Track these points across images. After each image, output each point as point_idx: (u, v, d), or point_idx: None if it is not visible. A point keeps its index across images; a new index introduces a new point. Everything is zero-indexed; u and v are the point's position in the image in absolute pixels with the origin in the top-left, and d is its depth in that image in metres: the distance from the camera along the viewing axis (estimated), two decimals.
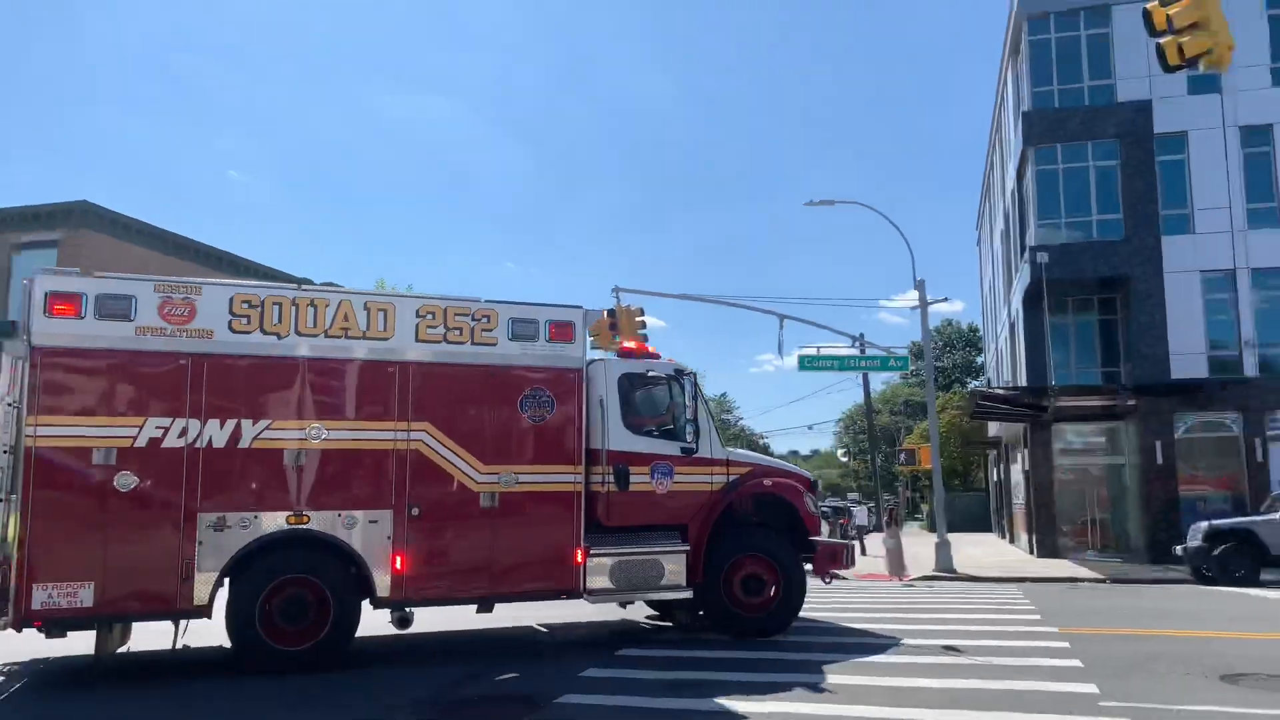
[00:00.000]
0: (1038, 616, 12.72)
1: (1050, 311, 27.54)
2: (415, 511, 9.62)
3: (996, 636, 10.85)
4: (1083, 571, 21.53)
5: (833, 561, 12.09)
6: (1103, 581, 19.83)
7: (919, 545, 28.88)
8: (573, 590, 10.30)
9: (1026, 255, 27.45)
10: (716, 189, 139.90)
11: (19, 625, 8.31)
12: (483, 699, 8.10)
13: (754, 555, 11.25)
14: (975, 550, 29.83)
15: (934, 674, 8.55)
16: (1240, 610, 13.85)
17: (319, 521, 9.29)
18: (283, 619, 9.02)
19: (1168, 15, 10.58)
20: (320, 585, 9.19)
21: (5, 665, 9.60)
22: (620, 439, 10.76)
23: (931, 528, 36.72)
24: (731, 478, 11.36)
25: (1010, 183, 32.23)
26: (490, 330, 10.21)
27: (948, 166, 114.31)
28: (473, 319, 10.17)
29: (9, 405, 8.87)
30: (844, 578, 11.47)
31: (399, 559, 9.50)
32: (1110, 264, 26.55)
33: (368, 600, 9.52)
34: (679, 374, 11.34)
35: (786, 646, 10.35)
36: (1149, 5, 10.80)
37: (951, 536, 23.84)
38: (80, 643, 9.35)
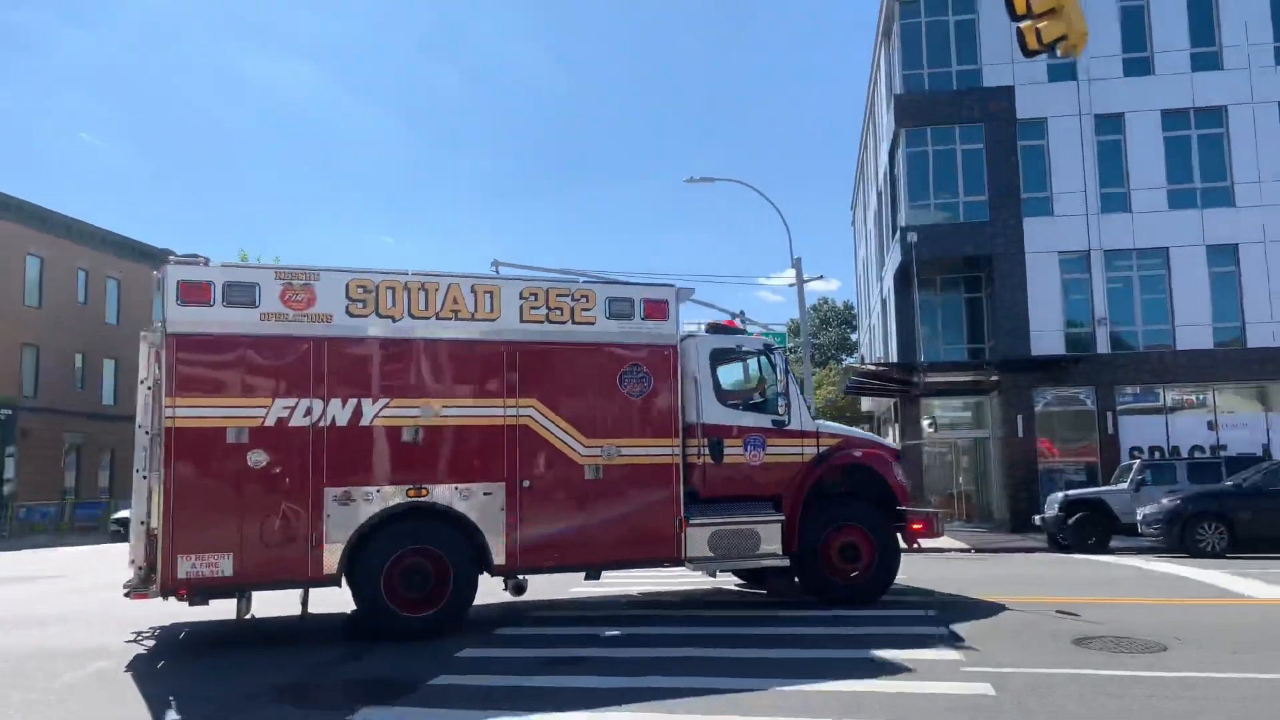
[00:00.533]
0: (904, 584, 13.07)
1: (920, 289, 28.45)
2: (526, 484, 10.04)
3: (865, 606, 11.06)
4: (949, 542, 22.36)
5: (923, 532, 12.07)
6: (968, 551, 20.61)
7: None
8: (674, 558, 10.66)
9: (898, 235, 28.24)
10: (594, 162, 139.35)
11: (165, 593, 8.92)
12: (351, 683, 7.73)
13: (850, 525, 11.43)
14: None
15: (788, 645, 8.61)
16: (1091, 576, 14.57)
17: (437, 494, 9.74)
18: (405, 587, 9.46)
19: (1027, 1, 10.85)
20: (440, 554, 9.64)
21: (151, 629, 10.30)
22: (714, 413, 11.03)
23: None
24: (822, 449, 11.55)
25: (883, 163, 33.09)
26: (589, 310, 10.52)
27: (825, 146, 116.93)
28: (572, 299, 10.49)
29: (147, 389, 9.40)
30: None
31: (513, 529, 9.92)
32: (976, 244, 27.57)
33: (484, 570, 9.89)
34: (768, 348, 11.71)
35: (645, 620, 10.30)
36: None
37: None
38: (209, 611, 9.73)
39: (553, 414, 10.25)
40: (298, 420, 9.33)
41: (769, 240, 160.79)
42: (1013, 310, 27.02)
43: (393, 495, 9.57)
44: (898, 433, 29.64)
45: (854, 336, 68.91)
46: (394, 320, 9.80)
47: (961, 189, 28.09)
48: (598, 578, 11.00)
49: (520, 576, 10.10)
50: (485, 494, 9.89)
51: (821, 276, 54.12)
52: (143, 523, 9.23)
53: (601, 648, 8.97)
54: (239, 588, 9.22)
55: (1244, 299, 26.70)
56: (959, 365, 27.89)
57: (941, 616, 10.19)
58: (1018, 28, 11.18)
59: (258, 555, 9.09)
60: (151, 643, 9.68)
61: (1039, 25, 10.89)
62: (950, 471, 30.53)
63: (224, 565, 8.99)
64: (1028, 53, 11.22)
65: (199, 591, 9.08)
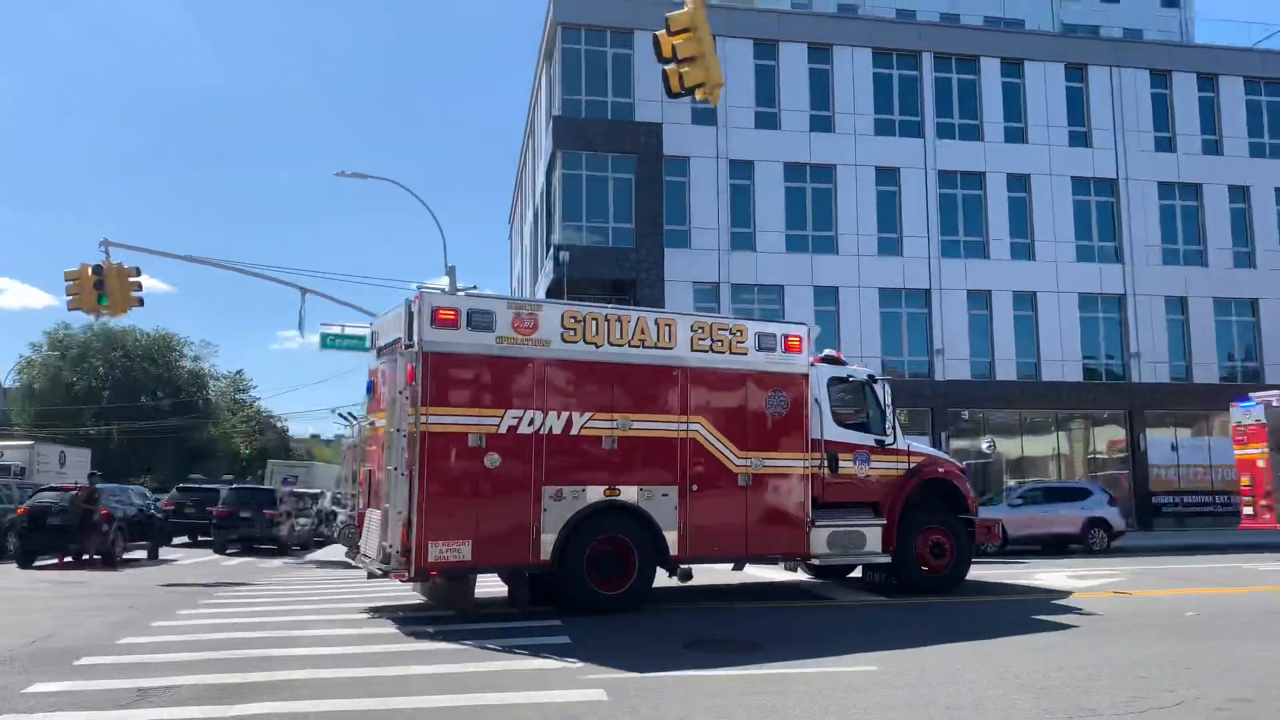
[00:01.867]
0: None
1: None
2: (694, 487, 11.88)
3: (493, 619, 11.13)
4: None
5: (988, 534, 15.54)
6: None
7: None
8: (805, 554, 12.82)
9: (551, 252, 29.04)
10: (237, 145, 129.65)
11: (419, 575, 10.37)
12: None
13: (937, 528, 13.86)
14: None
15: (409, 661, 8.46)
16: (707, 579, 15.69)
17: (627, 494, 11.49)
18: (601, 571, 11.24)
19: (673, 45, 11.62)
20: (629, 544, 11.45)
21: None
22: (832, 431, 13.25)
23: None
24: (912, 465, 13.93)
25: (541, 182, 33.92)
26: (743, 343, 12.51)
27: (488, 157, 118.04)
28: (730, 333, 12.49)
29: (404, 397, 10.49)
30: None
31: (683, 524, 11.76)
32: (623, 269, 29.07)
33: (661, 558, 11.67)
34: (872, 379, 14.06)
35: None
36: (659, 33, 11.80)
37: None
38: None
39: (715, 429, 12.20)
40: (523, 429, 11.00)
41: (425, 245, 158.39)
42: None
43: (594, 494, 11.33)
44: None
45: None
46: (596, 346, 11.59)
47: (612, 215, 29.52)
48: (742, 569, 13.59)
49: (685, 566, 12.01)
50: (663, 495, 11.75)
51: (475, 286, 54.17)
52: (400, 513, 10.30)
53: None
54: (474, 569, 10.85)
55: (841, 336, 30.53)
56: None
57: (564, 627, 10.50)
58: (663, 69, 11.95)
59: (490, 543, 10.64)
60: None
61: (682, 70, 11.70)
62: None
63: (464, 551, 10.48)
64: (671, 94, 12.01)
65: (444, 573, 10.59)
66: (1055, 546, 22.49)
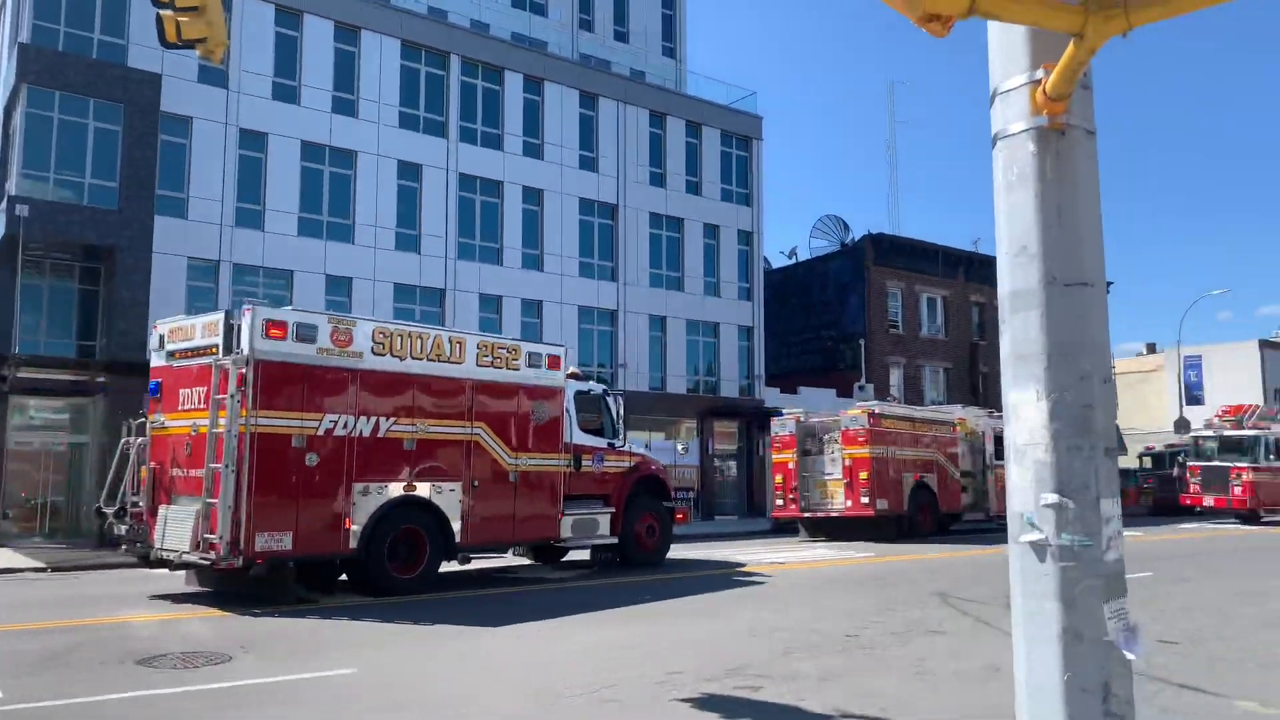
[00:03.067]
0: None
1: (24, 270, 24.86)
2: (476, 484, 14.06)
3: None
4: (23, 560, 19.68)
5: (681, 518, 19.23)
6: (44, 570, 18.38)
7: None
8: (556, 538, 15.38)
9: (4, 203, 24.33)
10: None
11: (247, 563, 11.55)
12: None
13: (650, 513, 17.25)
14: None
15: None
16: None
17: (422, 490, 13.43)
18: (398, 558, 13.09)
19: None
20: (423, 533, 13.38)
21: None
22: (577, 436, 15.99)
23: None
24: (632, 463, 17.05)
25: None
26: (516, 360, 14.82)
27: None
28: (507, 351, 14.81)
29: (235, 400, 11.61)
30: None
31: (466, 516, 13.90)
32: (100, 233, 25.24)
33: (448, 546, 13.70)
34: (606, 392, 17.08)
35: None
36: None
37: None
38: None
39: (493, 433, 14.18)
40: (339, 431, 12.53)
41: None
42: (133, 309, 25.34)
43: (395, 490, 13.02)
44: None
45: None
46: (400, 359, 13.16)
47: (90, 169, 25.52)
48: (505, 551, 16.29)
49: (464, 553, 14.12)
50: (450, 490, 13.58)
51: None
52: (230, 507, 11.37)
53: None
54: (294, 558, 12.18)
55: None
56: (61, 362, 25.09)
57: None
58: (158, 14, 10.45)
59: (308, 533, 12.10)
60: None
61: (180, 19, 10.28)
62: (40, 481, 27.11)
63: (286, 540, 11.90)
64: (165, 43, 10.46)
65: (269, 561, 11.84)
66: None
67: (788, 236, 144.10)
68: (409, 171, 31.50)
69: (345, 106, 30.47)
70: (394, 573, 12.87)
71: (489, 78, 33.66)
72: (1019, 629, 2.40)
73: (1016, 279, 2.47)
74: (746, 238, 39.84)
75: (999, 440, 27.27)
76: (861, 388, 37.61)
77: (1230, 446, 31.03)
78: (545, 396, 15.16)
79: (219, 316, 12.27)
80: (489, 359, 14.38)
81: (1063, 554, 2.33)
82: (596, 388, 17.21)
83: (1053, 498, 2.34)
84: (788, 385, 40.43)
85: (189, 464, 12.30)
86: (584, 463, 16.14)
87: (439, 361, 13.69)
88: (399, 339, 13.25)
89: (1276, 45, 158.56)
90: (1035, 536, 2.37)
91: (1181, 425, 46.97)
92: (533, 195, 34.12)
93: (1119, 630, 2.29)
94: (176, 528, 12.03)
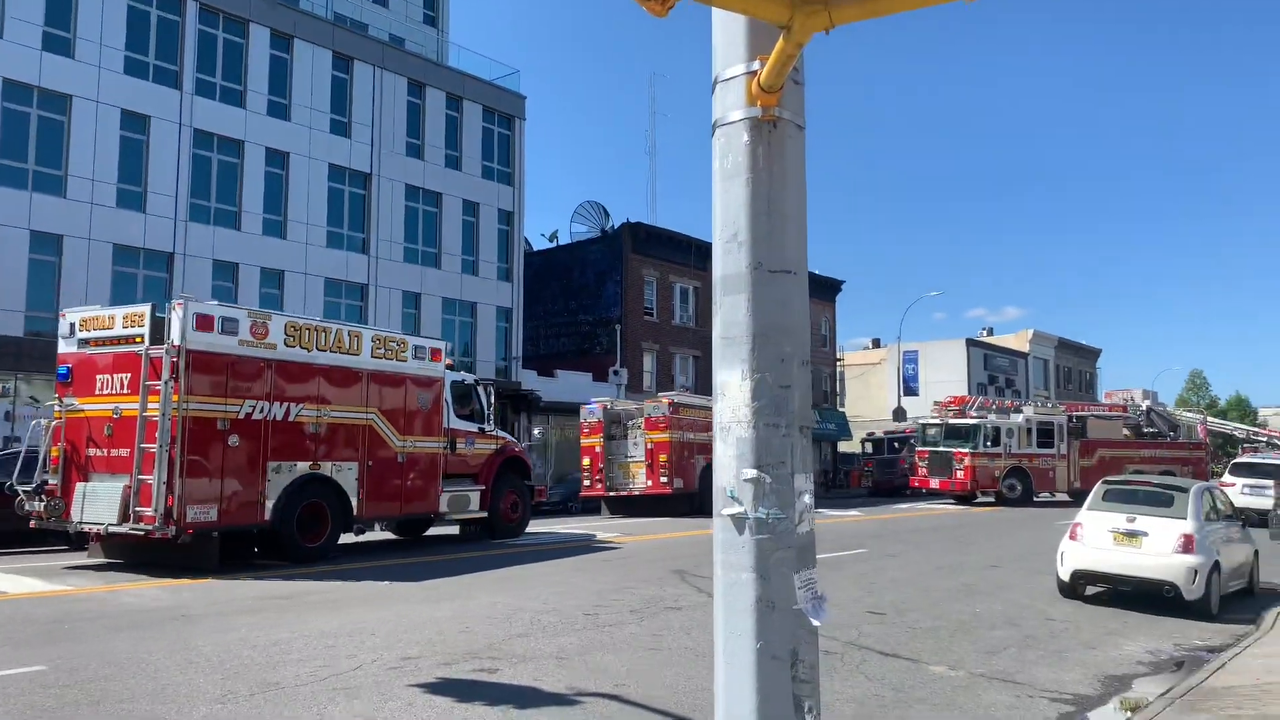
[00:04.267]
0: None
1: None
2: (370, 463, 15.65)
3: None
4: None
5: (540, 495, 23.66)
6: None
7: None
8: (436, 513, 17.38)
9: None
10: None
11: (178, 532, 12.78)
12: None
13: (513, 490, 19.40)
14: None
15: None
16: None
17: (325, 468, 14.96)
18: (304, 528, 14.63)
19: None
20: (326, 507, 14.98)
21: None
22: (453, 421, 17.86)
23: None
24: (499, 446, 19.16)
25: None
26: (405, 352, 16.46)
27: None
28: (397, 344, 16.38)
29: (168, 386, 12.83)
30: None
31: (362, 492, 15.51)
32: None
33: (346, 518, 15.47)
34: (478, 382, 19.36)
35: None
36: None
37: None
38: None
39: (385, 418, 16.01)
40: (256, 415, 13.96)
41: None
42: None
43: (302, 468, 14.66)
44: None
45: None
46: (308, 350, 14.77)
47: None
48: (394, 524, 18.73)
49: (360, 525, 16.23)
50: (349, 468, 15.40)
51: None
52: (164, 482, 12.73)
53: None
54: (218, 528, 13.55)
55: (61, 290, 26.68)
56: None
57: None
58: None
59: (230, 507, 13.58)
60: None
61: None
62: None
63: (212, 513, 13.32)
64: None
65: (198, 532, 13.15)
66: None
67: (549, 220, 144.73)
68: (135, 122, 28.67)
69: (59, 45, 27.25)
70: (301, 542, 14.57)
71: (231, 29, 31.22)
72: (719, 599, 2.49)
73: (728, 264, 2.55)
74: (507, 217, 39.55)
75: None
76: (616, 372, 38.47)
77: (954, 433, 33.91)
78: (427, 385, 16.96)
79: (144, 309, 13.55)
80: (382, 351, 16.06)
81: (759, 526, 2.43)
82: (469, 378, 19.33)
83: (751, 472, 2.44)
84: (545, 368, 40.64)
85: (109, 444, 13.58)
86: (458, 445, 17.95)
87: (340, 353, 15.32)
88: (307, 332, 14.93)
89: (987, 59, 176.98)
90: (735, 510, 2.46)
91: (899, 414, 51.69)
92: (277, 158, 32.08)
93: (808, 599, 2.42)
94: (97, 503, 13.31)
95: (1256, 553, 14.37)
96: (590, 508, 28.78)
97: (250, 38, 31.55)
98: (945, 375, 65.71)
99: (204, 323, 13.25)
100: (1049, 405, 37.83)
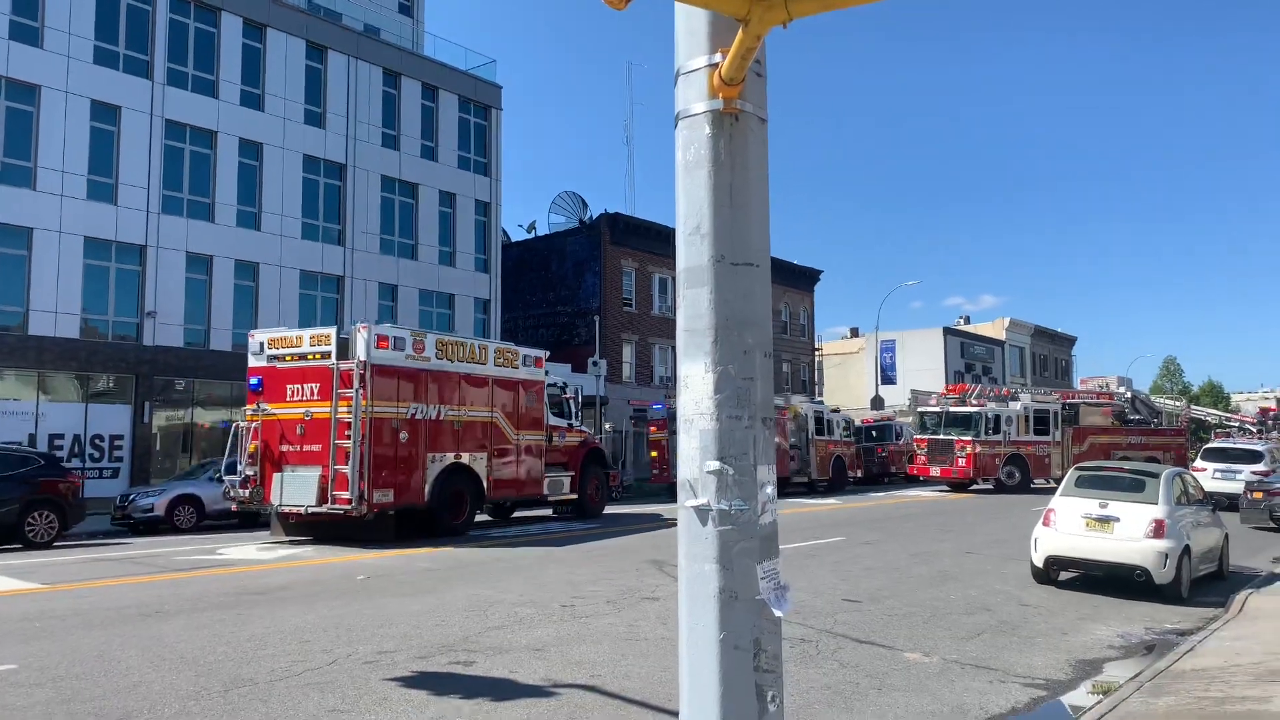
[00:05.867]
0: None
1: None
2: (494, 454, 19.02)
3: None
4: None
5: (614, 480, 27.58)
6: None
7: None
8: (542, 495, 20.61)
9: None
10: None
11: (368, 510, 16.24)
12: None
13: (595, 477, 22.76)
14: None
15: None
16: None
17: (464, 458, 18.42)
18: (450, 506, 18.11)
19: None
20: (464, 490, 18.47)
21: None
22: (551, 419, 21.09)
23: None
24: (582, 439, 22.61)
25: None
26: (516, 361, 19.81)
27: None
28: (511, 354, 19.76)
29: (359, 394, 16.26)
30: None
31: (490, 478, 18.95)
32: None
33: (480, 499, 19.11)
34: (566, 386, 22.78)
35: None
36: None
37: None
38: None
39: (504, 417, 19.29)
40: (418, 415, 17.29)
41: None
42: None
43: (449, 458, 18.06)
44: None
45: None
46: (451, 362, 18.21)
47: None
48: (513, 509, 22.55)
49: (490, 504, 20.37)
50: (480, 459, 18.78)
51: None
52: (357, 471, 16.05)
53: None
54: (393, 508, 16.93)
55: (31, 285, 26.34)
56: None
57: None
58: None
59: (401, 490, 16.88)
60: None
61: None
62: None
63: (390, 495, 16.64)
64: None
65: (381, 511, 16.66)
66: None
67: (527, 211, 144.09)
68: (105, 113, 28.31)
69: (27, 34, 26.85)
70: (450, 519, 18.01)
71: (202, 18, 30.86)
72: (683, 591, 2.50)
73: (690, 256, 2.55)
74: (484, 208, 39.38)
75: (819, 420, 35.60)
76: (595, 363, 38.39)
77: (954, 421, 34.04)
78: (534, 388, 20.14)
79: (330, 331, 17.01)
80: (501, 360, 19.37)
81: (721, 518, 2.44)
82: (560, 381, 22.69)
83: (714, 465, 2.45)
84: None
85: (301, 441, 16.81)
86: (554, 439, 21.21)
87: (471, 363, 18.73)
88: (450, 346, 18.37)
89: (956, 53, 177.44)
90: (698, 502, 2.47)
91: (877, 403, 51.89)
92: (251, 149, 31.77)
93: (770, 590, 2.43)
94: (295, 488, 16.51)
95: (1226, 536, 14.56)
96: (650, 492, 33.16)
97: (222, 26, 31.21)
98: (923, 364, 66.13)
99: (382, 341, 16.64)
100: (1043, 393, 38.22)
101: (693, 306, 2.53)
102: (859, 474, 37.52)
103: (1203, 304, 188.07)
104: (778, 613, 2.43)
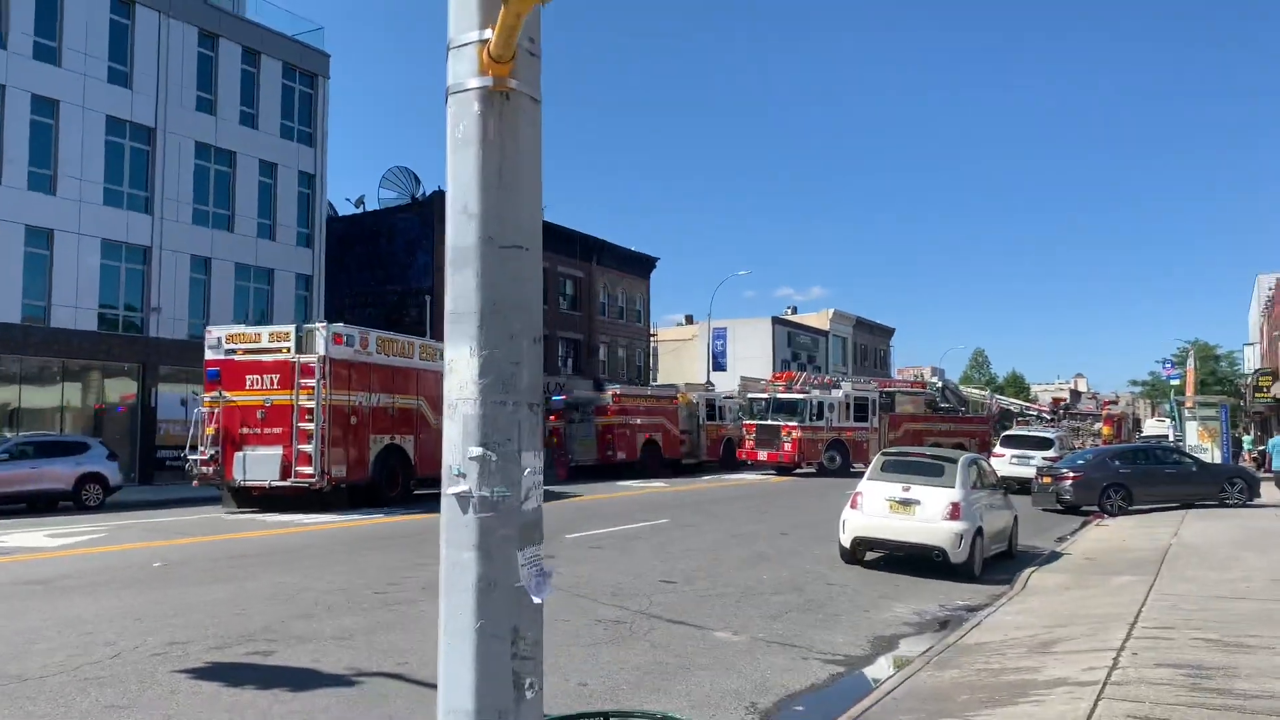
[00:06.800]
0: None
1: None
2: (421, 436, 22.04)
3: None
4: None
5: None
6: None
7: None
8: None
9: None
10: None
11: (325, 485, 19.29)
12: None
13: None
14: None
15: None
16: None
17: (397, 440, 21.53)
18: (387, 479, 21.18)
19: None
20: (398, 467, 21.62)
21: None
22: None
23: None
24: None
25: None
26: (436, 354, 22.10)
27: None
28: (433, 349, 22.73)
29: (320, 384, 19.24)
30: None
31: (417, 457, 21.99)
32: None
33: (411, 475, 22.08)
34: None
35: None
36: None
37: None
38: None
39: (428, 404, 22.11)
40: (367, 403, 20.48)
41: None
42: None
43: (386, 440, 21.11)
44: None
45: None
46: (388, 356, 21.41)
47: None
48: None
49: (416, 480, 22.38)
50: (410, 440, 21.84)
51: None
52: (319, 450, 19.02)
53: None
54: (345, 482, 19.96)
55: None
56: None
57: None
58: None
59: (352, 466, 19.99)
60: None
61: None
62: None
63: (342, 471, 19.67)
64: None
65: (337, 484, 19.64)
66: (45, 503, 20.93)
67: (357, 185, 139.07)
68: None
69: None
70: (388, 491, 21.08)
71: None
72: (442, 579, 2.44)
73: (458, 237, 2.48)
74: (308, 180, 37.71)
75: (709, 405, 38.77)
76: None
77: (781, 408, 35.19)
78: (437, 374, 20.48)
79: (289, 328, 19.93)
80: (425, 355, 22.38)
81: (483, 504, 2.39)
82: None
83: (477, 450, 2.40)
84: None
85: (262, 425, 19.49)
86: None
87: (403, 357, 21.85)
88: (388, 343, 21.60)
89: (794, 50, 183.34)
90: (460, 488, 2.41)
91: (708, 389, 53.12)
92: (46, 106, 29.13)
93: (531, 576, 2.40)
94: (258, 466, 19.27)
95: (1016, 518, 15.69)
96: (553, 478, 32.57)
97: None
98: (752, 351, 68.18)
99: (338, 339, 19.75)
100: (863, 381, 40.02)
101: (459, 289, 2.46)
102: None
103: (1010, 301, 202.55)
104: (537, 599, 2.40)
